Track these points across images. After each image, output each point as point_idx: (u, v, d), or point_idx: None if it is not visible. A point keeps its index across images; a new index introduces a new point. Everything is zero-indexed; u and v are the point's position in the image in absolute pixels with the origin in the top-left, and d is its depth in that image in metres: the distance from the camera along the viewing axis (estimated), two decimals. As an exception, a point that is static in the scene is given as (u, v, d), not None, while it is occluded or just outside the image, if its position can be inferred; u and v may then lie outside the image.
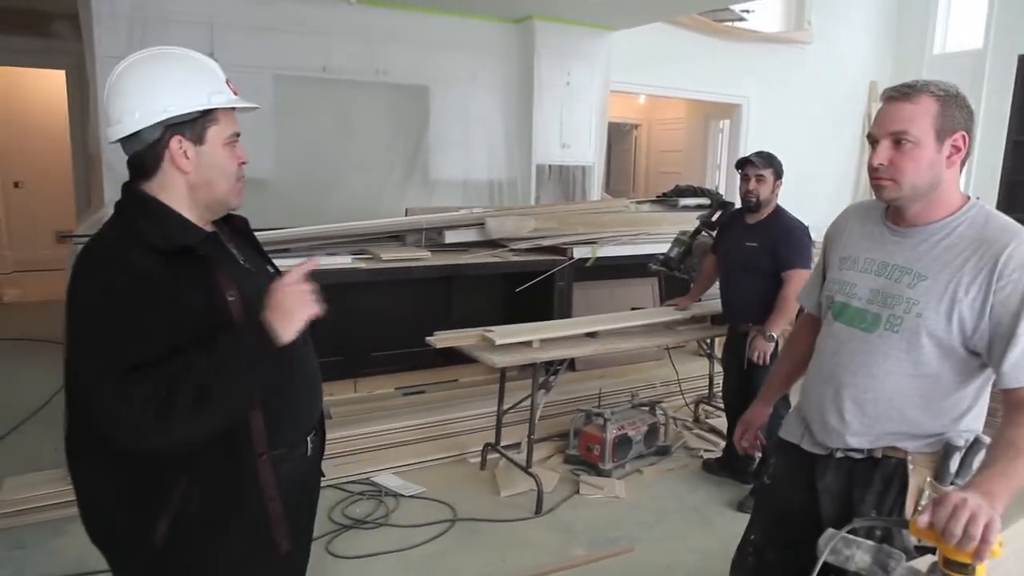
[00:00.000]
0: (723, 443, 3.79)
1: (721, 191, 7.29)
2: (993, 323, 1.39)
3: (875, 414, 1.52)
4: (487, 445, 3.59)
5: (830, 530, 1.31)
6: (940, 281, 1.44)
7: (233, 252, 1.42)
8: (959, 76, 7.62)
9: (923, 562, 1.27)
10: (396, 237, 4.76)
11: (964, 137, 1.44)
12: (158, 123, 1.28)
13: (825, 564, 1.63)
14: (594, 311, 4.64)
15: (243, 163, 1.38)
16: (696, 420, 4.26)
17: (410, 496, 3.27)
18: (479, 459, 3.62)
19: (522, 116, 6.47)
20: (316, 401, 1.52)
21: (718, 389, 4.28)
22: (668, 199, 5.53)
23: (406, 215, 5.23)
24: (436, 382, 4.58)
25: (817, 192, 7.14)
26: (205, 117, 1.31)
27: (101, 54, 4.76)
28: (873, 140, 1.47)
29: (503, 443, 3.58)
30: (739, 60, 7.68)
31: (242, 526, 1.33)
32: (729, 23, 7.58)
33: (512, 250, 4.65)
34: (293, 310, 1.22)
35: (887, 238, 1.55)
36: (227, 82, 1.37)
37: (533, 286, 4.51)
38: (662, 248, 4.75)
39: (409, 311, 4.51)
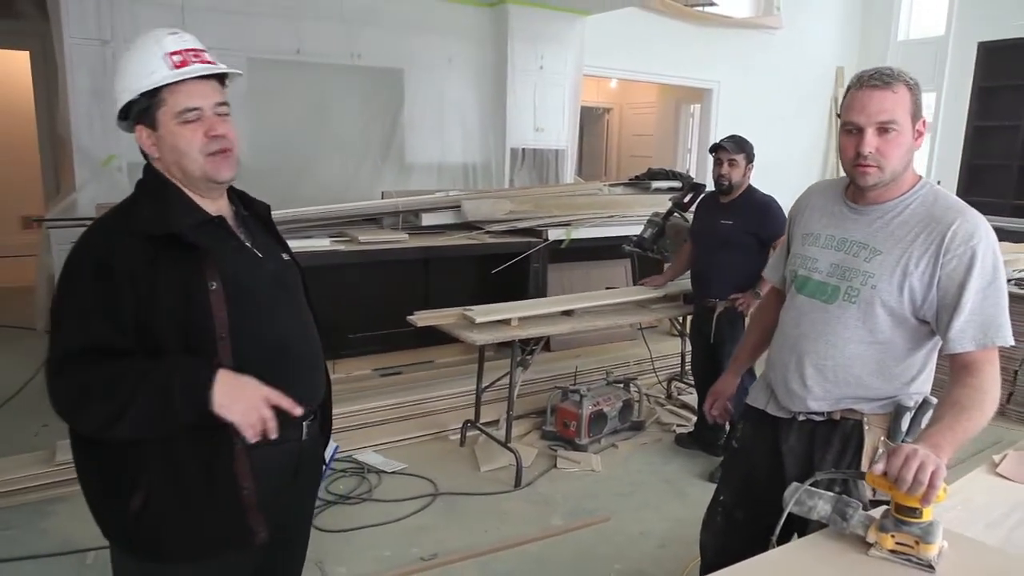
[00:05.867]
0: (695, 418, 3.92)
1: (692, 174, 7.42)
2: (940, 294, 1.51)
3: (835, 379, 1.63)
4: (467, 422, 3.67)
5: (794, 483, 1.42)
6: (893, 255, 1.54)
7: (240, 236, 1.41)
8: (922, 62, 7.86)
9: (877, 511, 1.38)
10: (373, 220, 4.80)
11: (925, 122, 1.55)
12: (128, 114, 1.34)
13: (790, 517, 1.77)
14: (568, 292, 4.73)
15: (215, 136, 1.31)
16: (669, 397, 4.38)
17: (392, 472, 3.34)
18: (459, 436, 3.70)
19: (496, 100, 6.52)
20: (313, 385, 1.48)
21: (690, 367, 4.41)
22: (641, 182, 5.62)
23: (382, 198, 5.27)
24: (413, 363, 4.63)
25: (786, 176, 7.30)
26: (152, 102, 1.29)
27: (68, 35, 4.69)
28: (855, 127, 1.52)
29: (482, 420, 3.67)
30: (710, 45, 7.79)
31: (214, 511, 1.33)
32: (700, 8, 7.68)
33: (488, 232, 4.71)
34: (239, 407, 1.23)
35: (846, 215, 1.66)
36: (170, 55, 1.29)
37: (509, 267, 4.59)
38: (635, 230, 4.83)
39: (386, 293, 4.55)
